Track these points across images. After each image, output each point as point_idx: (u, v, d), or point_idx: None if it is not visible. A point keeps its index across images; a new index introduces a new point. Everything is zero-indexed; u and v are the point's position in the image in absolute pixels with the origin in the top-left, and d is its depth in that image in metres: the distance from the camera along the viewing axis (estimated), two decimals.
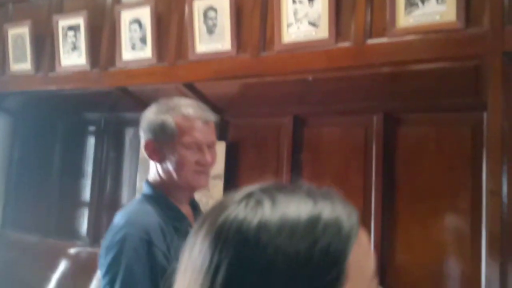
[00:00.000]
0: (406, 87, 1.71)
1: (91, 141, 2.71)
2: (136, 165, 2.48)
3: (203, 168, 1.16)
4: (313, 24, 1.71)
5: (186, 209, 1.20)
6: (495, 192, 1.35)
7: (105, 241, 1.08)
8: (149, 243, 1.03)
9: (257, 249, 0.42)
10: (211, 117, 1.18)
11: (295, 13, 1.74)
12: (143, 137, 1.18)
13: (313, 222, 0.44)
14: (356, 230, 0.46)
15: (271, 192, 0.47)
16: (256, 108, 2.14)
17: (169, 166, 1.14)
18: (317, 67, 1.68)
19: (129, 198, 2.44)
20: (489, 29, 1.40)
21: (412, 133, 1.79)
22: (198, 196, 2.11)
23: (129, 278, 1.00)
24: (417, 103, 1.78)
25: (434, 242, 1.68)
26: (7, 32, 2.55)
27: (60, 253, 2.41)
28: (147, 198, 1.16)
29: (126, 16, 2.17)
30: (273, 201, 0.45)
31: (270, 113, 2.11)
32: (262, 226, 0.43)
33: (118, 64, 2.20)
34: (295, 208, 0.45)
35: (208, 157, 1.15)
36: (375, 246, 1.64)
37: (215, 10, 1.93)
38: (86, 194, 2.65)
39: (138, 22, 2.14)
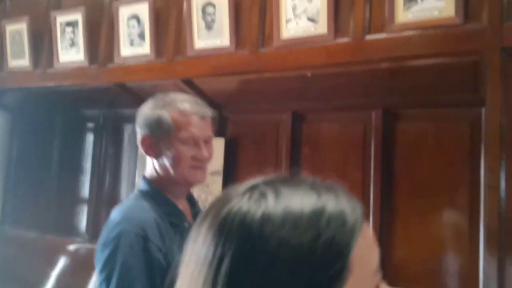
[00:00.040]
0: (404, 83, 1.71)
1: (89, 138, 2.70)
2: (135, 161, 2.48)
3: (200, 163, 1.16)
4: (312, 20, 1.70)
5: (183, 204, 1.20)
6: (493, 187, 1.36)
7: (102, 238, 1.09)
8: (144, 239, 1.04)
9: (261, 241, 0.42)
10: (208, 112, 1.18)
11: (293, 9, 1.74)
12: (140, 133, 1.18)
13: (317, 214, 0.44)
14: (360, 223, 0.45)
15: (274, 185, 0.47)
16: (255, 104, 2.14)
17: (166, 161, 1.14)
18: (316, 63, 1.68)
19: (128, 194, 2.44)
20: (487, 25, 1.40)
21: (411, 129, 1.79)
22: (197, 192, 2.12)
23: (125, 274, 1.00)
24: (415, 99, 1.78)
25: (432, 237, 1.68)
26: (5, 28, 2.55)
27: (59, 250, 2.41)
28: (144, 194, 1.16)
29: (124, 12, 2.17)
30: (277, 194, 0.45)
31: (269, 109, 2.11)
32: (266, 218, 0.43)
33: (117, 60, 2.19)
34: (299, 200, 0.45)
35: (204, 152, 1.15)
36: None
37: (213, 5, 1.93)
38: (85, 191, 2.65)
39: (136, 18, 2.14)
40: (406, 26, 1.52)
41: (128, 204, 1.15)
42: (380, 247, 0.48)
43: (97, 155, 2.62)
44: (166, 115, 1.14)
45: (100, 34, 2.26)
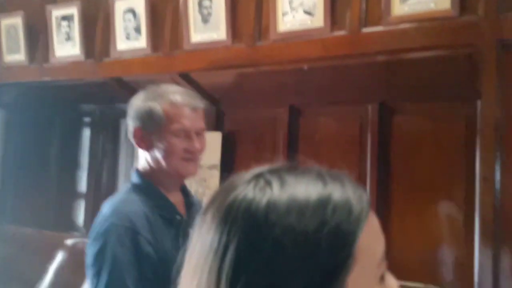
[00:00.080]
0: (401, 76, 1.72)
1: (86, 133, 2.70)
2: (132, 156, 2.48)
3: (192, 155, 1.15)
4: (308, 13, 1.70)
5: (176, 197, 1.19)
6: (488, 179, 1.37)
7: (92, 231, 1.09)
8: (134, 232, 1.04)
9: (266, 229, 0.42)
10: (199, 103, 1.17)
11: (290, 2, 1.74)
12: (131, 125, 1.17)
13: (323, 203, 0.43)
14: (366, 213, 0.45)
15: (280, 173, 0.46)
16: (252, 99, 2.14)
17: (157, 154, 1.13)
18: (312, 56, 1.68)
19: None
20: (483, 17, 1.41)
21: (407, 122, 1.80)
22: (194, 186, 2.12)
23: (115, 268, 1.01)
24: (411, 93, 1.78)
25: (428, 230, 1.69)
26: None
27: (57, 245, 2.41)
28: (135, 187, 1.15)
29: (120, 6, 2.16)
30: (282, 182, 0.45)
31: (266, 103, 2.11)
32: (271, 206, 0.43)
33: (113, 55, 2.18)
34: (305, 189, 0.44)
35: (196, 144, 1.14)
36: None
37: None
38: (83, 186, 2.65)
39: (132, 11, 2.13)
40: (402, 19, 1.53)
41: (118, 198, 1.15)
42: None
43: (94, 150, 2.62)
44: (157, 107, 1.13)
45: (96, 28, 2.25)
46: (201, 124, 1.17)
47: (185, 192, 1.24)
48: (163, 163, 1.13)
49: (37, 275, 2.36)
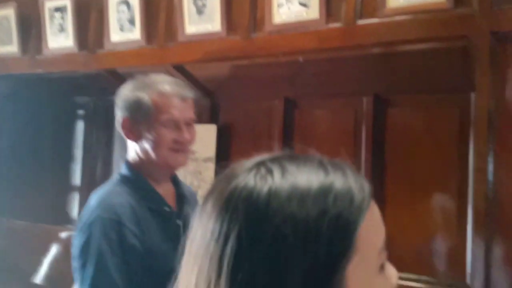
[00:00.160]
0: (395, 68, 1.72)
1: (80, 125, 2.68)
2: (126, 148, 2.47)
3: (182, 146, 1.13)
4: (303, 4, 1.70)
5: (166, 188, 1.18)
6: (481, 170, 1.38)
7: (79, 222, 1.09)
8: (119, 224, 1.03)
9: (267, 216, 0.42)
10: (189, 93, 1.15)
11: None
12: (119, 115, 1.15)
13: (324, 191, 0.43)
14: (368, 202, 0.45)
15: (281, 162, 0.46)
16: (247, 91, 2.13)
17: (146, 145, 1.11)
18: (307, 47, 1.68)
19: None
20: (477, 9, 1.41)
21: (401, 114, 1.80)
22: (189, 179, 2.12)
23: (100, 260, 1.00)
24: (406, 85, 1.79)
25: (422, 221, 1.71)
26: None
27: (52, 237, 2.41)
28: (123, 178, 1.14)
29: None
30: (284, 170, 0.45)
31: (261, 96, 2.11)
32: (272, 194, 0.43)
33: (107, 46, 2.17)
34: (306, 177, 0.44)
35: (186, 134, 1.13)
36: None
37: None
38: (77, 178, 2.64)
39: (126, 2, 2.11)
40: (397, 11, 1.52)
41: (106, 189, 1.13)
42: None
43: (88, 143, 2.61)
44: (145, 97, 1.11)
45: (90, 19, 2.23)
46: (190, 114, 1.15)
47: (176, 182, 1.22)
48: (152, 154, 1.11)
49: (32, 268, 2.36)
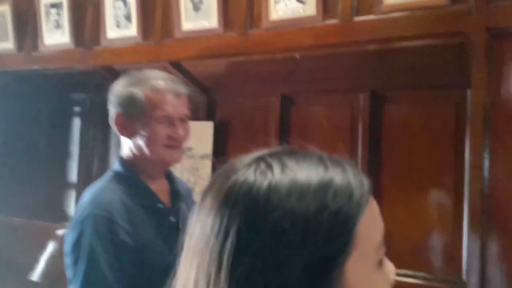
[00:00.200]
0: (392, 65, 1.72)
1: (77, 122, 2.67)
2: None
3: (176, 142, 1.12)
4: (300, 1, 1.69)
5: (160, 184, 1.17)
6: (476, 166, 1.38)
7: (72, 219, 1.08)
8: (110, 221, 1.03)
9: (266, 212, 0.42)
10: (183, 89, 1.14)
11: None
12: (112, 111, 1.14)
13: (324, 187, 0.43)
14: (367, 198, 0.45)
15: (281, 157, 0.46)
16: (244, 87, 2.13)
17: (140, 141, 1.11)
18: (304, 44, 1.68)
19: None
20: (473, 5, 1.41)
21: (398, 111, 1.81)
22: (186, 175, 2.12)
23: (92, 257, 1.00)
24: (402, 81, 1.79)
25: (418, 217, 1.72)
26: None
27: (48, 235, 2.40)
28: (116, 175, 1.13)
29: None
30: (283, 165, 0.45)
31: (258, 92, 2.11)
32: (272, 189, 0.43)
33: (103, 43, 2.16)
34: (306, 173, 0.44)
35: (180, 131, 1.12)
36: None
37: None
38: (73, 175, 2.63)
39: None
40: (394, 8, 1.53)
41: (98, 186, 1.13)
42: None
43: (85, 140, 2.60)
44: (139, 93, 1.10)
45: (86, 16, 2.22)
46: (184, 110, 1.14)
47: (170, 179, 1.22)
48: (146, 150, 1.11)
49: (29, 265, 2.36)
